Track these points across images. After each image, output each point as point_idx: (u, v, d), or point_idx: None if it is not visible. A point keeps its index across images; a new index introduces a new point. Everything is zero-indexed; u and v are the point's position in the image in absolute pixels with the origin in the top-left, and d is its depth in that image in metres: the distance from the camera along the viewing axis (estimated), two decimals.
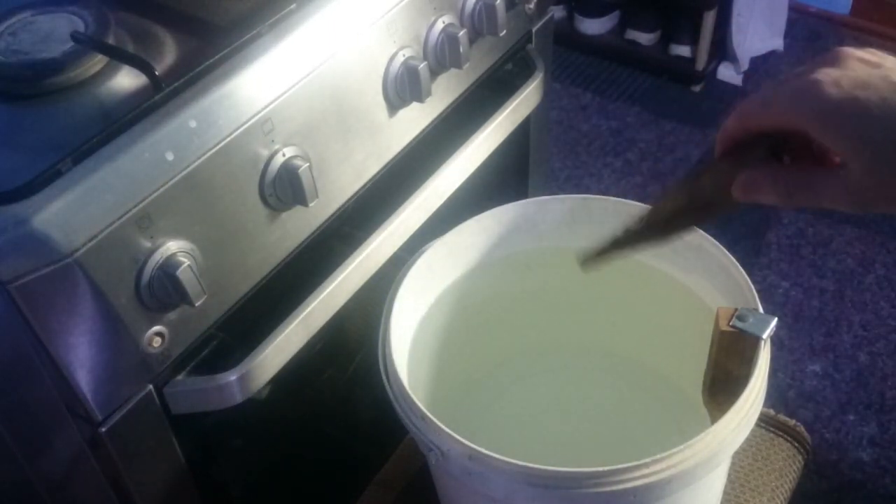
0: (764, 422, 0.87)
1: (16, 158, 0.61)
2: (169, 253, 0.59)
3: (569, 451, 0.79)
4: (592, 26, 2.18)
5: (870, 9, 2.18)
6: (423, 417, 0.63)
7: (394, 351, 0.68)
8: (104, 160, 0.56)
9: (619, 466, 0.58)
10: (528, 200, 0.80)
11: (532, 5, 0.89)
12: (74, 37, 0.67)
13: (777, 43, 2.08)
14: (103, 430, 0.61)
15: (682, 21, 2.07)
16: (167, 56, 0.69)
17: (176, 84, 0.61)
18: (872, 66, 0.44)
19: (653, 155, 1.92)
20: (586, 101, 2.07)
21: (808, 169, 0.48)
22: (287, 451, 0.90)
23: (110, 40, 0.68)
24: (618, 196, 0.79)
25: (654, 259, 0.79)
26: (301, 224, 0.70)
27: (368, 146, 0.74)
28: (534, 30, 0.93)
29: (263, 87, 0.64)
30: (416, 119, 0.79)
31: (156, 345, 0.61)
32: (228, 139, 0.61)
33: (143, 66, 0.63)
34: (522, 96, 0.89)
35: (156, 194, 0.57)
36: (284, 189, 0.66)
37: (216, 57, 0.63)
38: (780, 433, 0.87)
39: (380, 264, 0.77)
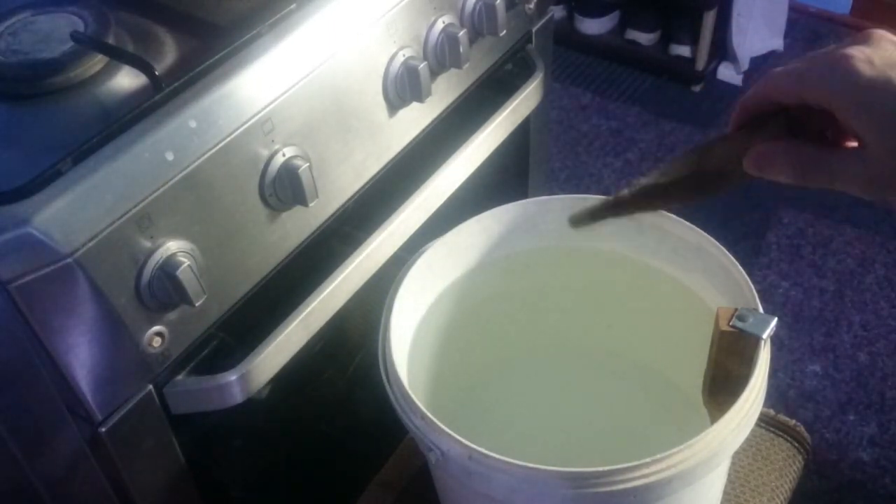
0: (764, 422, 0.87)
1: (16, 158, 0.61)
2: (169, 253, 0.59)
3: (569, 451, 0.79)
4: (592, 26, 2.18)
5: (870, 9, 2.18)
6: (423, 417, 0.63)
7: (394, 351, 0.68)
8: (104, 160, 0.56)
9: (619, 466, 0.58)
10: (528, 200, 0.80)
11: (532, 5, 0.89)
12: (74, 37, 0.67)
13: (777, 43, 2.08)
14: (103, 430, 0.61)
15: (682, 21, 2.07)
16: (167, 56, 0.69)
17: (176, 84, 0.61)
18: None
19: (653, 155, 1.92)
20: (586, 101, 2.07)
21: (826, 148, 0.47)
22: (287, 451, 0.90)
23: (110, 40, 0.68)
24: None
25: (654, 259, 0.79)
26: (301, 224, 0.70)
27: (368, 146, 0.74)
28: (534, 30, 0.93)
29: (263, 87, 0.64)
30: (416, 119, 0.79)
31: (156, 345, 0.61)
32: (228, 139, 0.61)
33: (143, 66, 0.63)
34: (522, 96, 0.89)
35: (156, 194, 0.57)
36: (284, 189, 0.66)
37: (216, 57, 0.63)
38: (780, 433, 0.87)
39: (380, 264, 0.77)
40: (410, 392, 0.65)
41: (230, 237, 0.64)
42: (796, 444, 0.86)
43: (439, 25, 0.76)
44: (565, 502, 0.61)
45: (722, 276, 0.73)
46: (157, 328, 0.61)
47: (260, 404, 0.76)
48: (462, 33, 0.76)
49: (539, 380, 0.91)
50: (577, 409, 0.90)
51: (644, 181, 0.56)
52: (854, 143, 0.46)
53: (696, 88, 2.09)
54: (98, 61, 0.67)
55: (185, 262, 0.59)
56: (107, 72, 0.67)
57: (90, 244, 0.54)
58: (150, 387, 0.63)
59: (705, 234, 0.74)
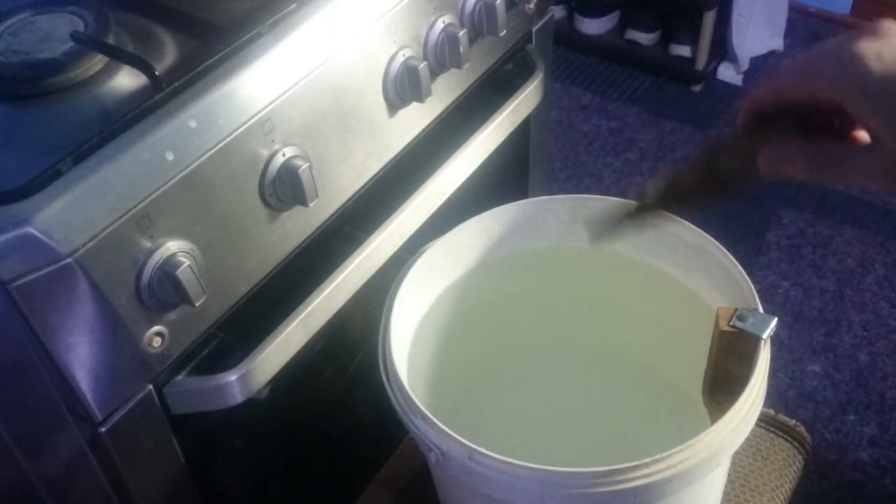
0: (764, 422, 0.87)
1: (16, 158, 0.61)
2: (169, 253, 0.59)
3: (569, 451, 0.79)
4: (592, 26, 2.18)
5: (870, 9, 2.18)
6: (423, 417, 0.63)
7: (394, 351, 0.68)
8: (104, 160, 0.56)
9: (619, 466, 0.58)
10: (528, 200, 0.80)
11: (532, 5, 0.89)
12: (74, 37, 0.67)
13: (777, 43, 2.08)
14: (103, 430, 0.61)
15: (682, 21, 2.07)
16: (167, 56, 0.69)
17: (176, 84, 0.61)
18: None
19: (653, 155, 1.92)
20: (586, 101, 2.07)
21: (839, 143, 0.47)
22: (287, 451, 0.90)
23: (110, 40, 0.68)
24: (618, 196, 0.79)
25: (654, 259, 0.79)
26: (301, 224, 0.70)
27: (368, 146, 0.74)
28: (534, 30, 0.93)
29: (263, 87, 0.64)
30: (416, 119, 0.79)
31: (156, 345, 0.61)
32: (228, 139, 0.61)
33: (143, 66, 0.63)
34: (522, 96, 0.89)
35: (156, 194, 0.57)
36: (284, 189, 0.66)
37: (216, 57, 0.63)
38: (780, 433, 0.87)
39: (380, 264, 0.77)
40: (410, 392, 0.65)
41: (230, 237, 0.64)
42: (796, 444, 0.86)
43: (439, 25, 0.76)
44: (565, 502, 0.61)
45: (722, 276, 0.73)
46: (157, 328, 0.61)
47: (260, 404, 0.76)
48: (462, 33, 0.76)
49: (539, 380, 0.91)
50: (577, 409, 0.90)
51: (655, 194, 0.56)
52: (863, 133, 0.46)
53: (696, 88, 2.09)
54: (98, 61, 0.67)
55: (185, 262, 0.59)
56: (107, 72, 0.67)
57: (90, 244, 0.54)
58: (150, 387, 0.63)
59: (705, 234, 0.74)
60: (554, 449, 0.81)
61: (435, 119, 0.81)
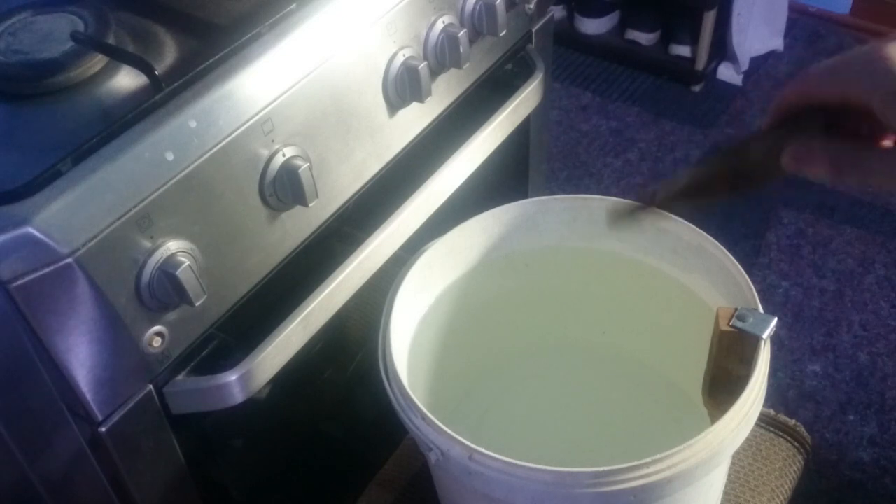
0: (764, 422, 0.87)
1: (16, 158, 0.61)
2: (169, 253, 0.59)
3: (569, 451, 0.79)
4: (592, 26, 2.18)
5: (870, 9, 2.18)
6: (423, 417, 0.63)
7: (394, 351, 0.68)
8: (104, 160, 0.56)
9: (619, 466, 0.58)
10: (528, 200, 0.80)
11: (532, 5, 0.89)
12: (74, 37, 0.67)
13: (777, 43, 2.08)
14: (103, 430, 0.61)
15: (682, 21, 2.07)
16: (167, 56, 0.69)
17: (176, 84, 0.61)
18: None
19: (653, 155, 1.92)
20: (586, 101, 2.07)
21: (864, 146, 0.47)
22: (287, 451, 0.90)
23: (110, 40, 0.68)
24: (618, 196, 0.79)
25: (654, 259, 0.79)
26: (301, 224, 0.70)
27: (368, 146, 0.74)
28: (534, 30, 0.93)
29: (263, 87, 0.64)
30: (416, 119, 0.79)
31: (156, 345, 0.61)
32: (228, 139, 0.61)
33: (143, 66, 0.63)
34: (522, 96, 0.89)
35: (156, 194, 0.57)
36: (284, 189, 0.66)
37: (216, 57, 0.63)
38: (780, 433, 0.87)
39: (380, 264, 0.77)
40: (410, 392, 0.65)
41: (230, 237, 0.64)
42: (796, 444, 0.86)
43: (439, 25, 0.76)
44: (565, 502, 0.61)
45: (722, 276, 0.73)
46: (157, 328, 0.61)
47: (260, 404, 0.76)
48: (462, 33, 0.76)
49: (539, 380, 0.91)
50: (577, 408, 0.90)
51: (677, 185, 0.56)
52: (891, 141, 0.47)
53: (696, 88, 2.09)
54: (98, 61, 0.67)
55: (185, 262, 0.59)
56: (107, 72, 0.67)
57: (90, 244, 0.54)
58: (150, 387, 0.63)
59: (705, 234, 0.74)
60: (554, 449, 0.81)
61: (435, 119, 0.81)
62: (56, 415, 0.60)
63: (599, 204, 0.79)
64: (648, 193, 0.59)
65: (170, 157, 0.58)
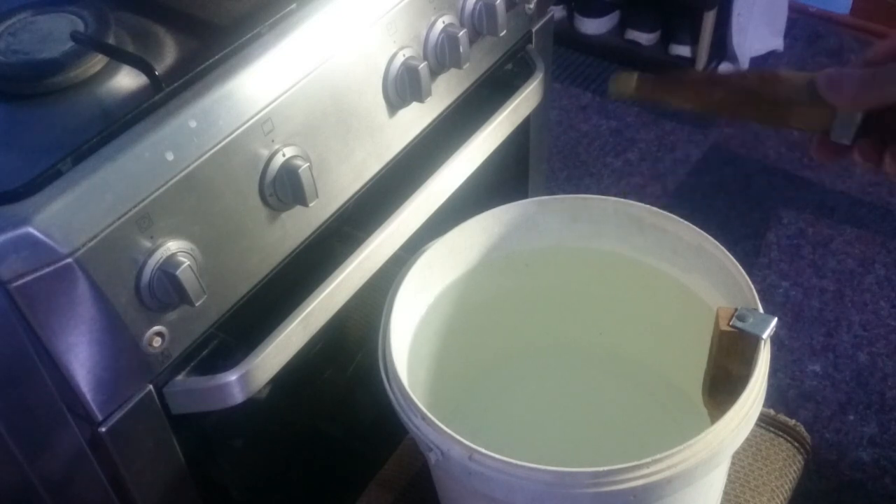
0: (764, 422, 0.87)
1: (16, 158, 0.61)
2: (169, 253, 0.59)
3: (569, 451, 0.79)
4: (592, 26, 2.18)
5: (870, 9, 2.18)
6: (423, 417, 0.63)
7: (394, 351, 0.68)
8: (104, 160, 0.56)
9: (619, 466, 0.58)
10: (528, 200, 0.80)
11: (532, 5, 0.89)
12: (74, 37, 0.67)
13: (777, 43, 2.08)
14: (103, 430, 0.61)
15: (682, 21, 2.07)
16: (167, 56, 0.69)
17: (176, 84, 0.61)
18: None
19: (653, 155, 1.92)
20: (586, 101, 2.07)
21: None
22: (287, 451, 0.90)
23: (110, 40, 0.68)
24: (618, 196, 0.79)
25: (654, 259, 0.79)
26: (301, 224, 0.70)
27: (368, 146, 0.74)
28: (534, 30, 0.93)
29: (263, 87, 0.64)
30: (416, 119, 0.79)
31: (156, 345, 0.61)
32: (228, 139, 0.61)
33: (143, 66, 0.63)
34: (522, 96, 0.89)
35: (156, 194, 0.57)
36: (284, 189, 0.66)
37: (216, 57, 0.63)
38: (780, 433, 0.87)
39: (380, 264, 0.77)
40: (410, 392, 0.65)
41: (230, 237, 0.64)
42: (796, 444, 0.86)
43: (439, 25, 0.76)
44: (565, 502, 0.61)
45: (722, 276, 0.73)
46: (157, 328, 0.61)
47: (260, 404, 0.76)
48: (462, 33, 0.76)
49: (539, 379, 0.91)
50: (576, 408, 0.90)
51: (695, 78, 0.55)
52: None
53: None
54: (98, 61, 0.67)
55: (185, 262, 0.59)
56: (107, 72, 0.67)
57: (90, 244, 0.54)
58: (150, 387, 0.63)
59: (705, 234, 0.74)
60: (554, 449, 0.81)
61: (435, 119, 0.81)
62: (56, 415, 0.60)
63: (599, 204, 0.79)
64: (662, 79, 0.57)
65: (170, 157, 0.58)
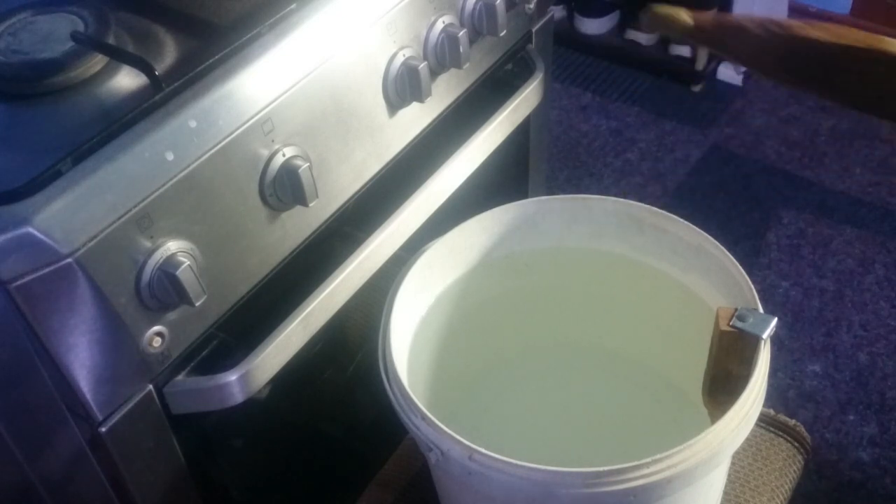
0: (764, 422, 0.87)
1: (16, 158, 0.61)
2: (169, 253, 0.59)
3: (569, 451, 0.79)
4: (592, 26, 2.18)
5: (870, 9, 2.18)
6: (423, 417, 0.63)
7: (394, 351, 0.68)
8: (104, 160, 0.56)
9: (619, 466, 0.58)
10: (528, 200, 0.80)
11: (532, 5, 0.89)
12: (74, 37, 0.67)
13: None
14: (103, 430, 0.61)
15: None
16: (167, 56, 0.69)
17: (176, 84, 0.61)
18: None
19: (653, 155, 1.92)
20: (586, 101, 2.07)
21: None
22: (287, 451, 0.90)
23: (110, 40, 0.68)
24: (618, 196, 0.79)
25: (654, 259, 0.79)
26: (301, 224, 0.70)
27: (368, 146, 0.74)
28: (534, 30, 0.93)
29: (263, 87, 0.64)
30: (416, 119, 0.79)
31: (156, 345, 0.61)
32: (228, 139, 0.61)
33: (143, 66, 0.63)
34: (522, 96, 0.89)
35: (156, 194, 0.57)
36: (284, 189, 0.66)
37: (216, 57, 0.63)
38: (780, 433, 0.87)
39: (380, 264, 0.77)
40: (410, 392, 0.65)
41: (230, 237, 0.64)
42: (796, 444, 0.86)
43: (439, 25, 0.76)
44: (565, 502, 0.61)
45: (722, 276, 0.73)
46: (157, 328, 0.61)
47: (260, 404, 0.76)
48: (462, 33, 0.76)
49: (539, 379, 0.91)
50: (577, 408, 0.90)
51: (781, 33, 0.50)
52: None
53: (696, 88, 2.09)
54: (98, 61, 0.67)
55: (185, 262, 0.59)
56: (107, 72, 0.67)
57: (90, 244, 0.54)
58: (150, 387, 0.63)
59: (705, 234, 0.74)
60: (554, 449, 0.81)
61: (435, 119, 0.81)
62: (56, 415, 0.60)
63: (599, 204, 0.79)
64: (724, 26, 0.53)
65: (170, 157, 0.58)
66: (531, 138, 1.01)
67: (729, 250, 0.72)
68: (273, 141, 0.64)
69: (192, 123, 0.60)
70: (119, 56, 0.67)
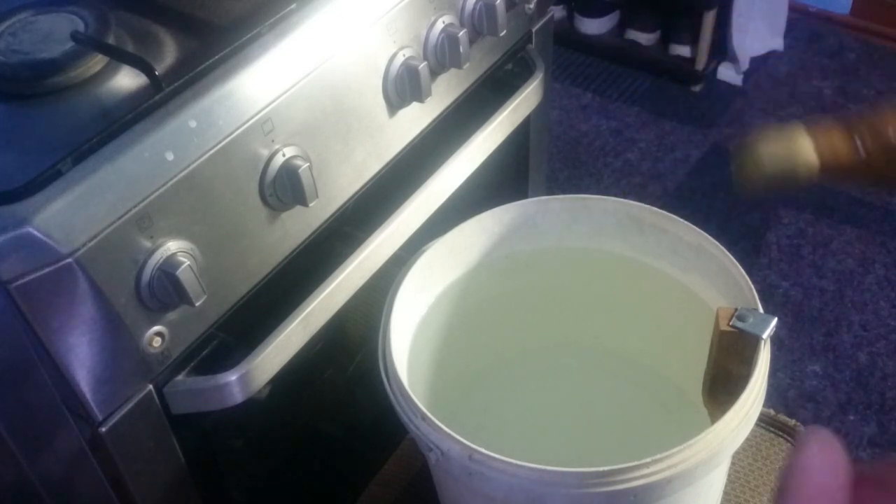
0: (764, 422, 0.87)
1: (16, 158, 0.61)
2: (169, 253, 0.59)
3: (569, 451, 0.79)
4: (592, 26, 2.18)
5: (870, 9, 2.18)
6: (423, 417, 0.63)
7: (394, 351, 0.68)
8: (104, 160, 0.56)
9: (619, 466, 0.58)
10: (528, 200, 0.80)
11: (532, 5, 0.89)
12: (74, 37, 0.67)
13: (777, 43, 2.08)
14: (103, 430, 0.61)
15: (682, 21, 2.07)
16: (167, 56, 0.69)
17: (176, 84, 0.61)
18: None
19: (653, 155, 1.92)
20: (586, 101, 2.07)
21: None
22: (287, 451, 0.90)
23: (110, 40, 0.68)
24: (618, 196, 0.79)
25: (654, 259, 0.79)
26: (301, 224, 0.70)
27: (368, 146, 0.74)
28: (534, 30, 0.93)
29: (263, 87, 0.64)
30: (416, 119, 0.79)
31: (156, 345, 0.61)
32: (228, 139, 0.61)
33: (143, 66, 0.63)
34: (522, 96, 0.89)
35: (156, 194, 0.57)
36: (284, 189, 0.66)
37: (216, 57, 0.63)
38: (780, 433, 0.87)
39: (380, 264, 0.77)
40: (410, 392, 0.65)
41: (230, 237, 0.64)
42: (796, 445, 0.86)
43: (439, 25, 0.76)
44: (565, 502, 0.61)
45: (722, 276, 0.73)
46: (157, 328, 0.61)
47: (260, 404, 0.76)
48: (462, 33, 0.76)
49: (539, 379, 0.91)
50: (577, 408, 0.90)
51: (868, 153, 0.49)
52: None
53: (696, 88, 2.09)
54: (98, 61, 0.67)
55: (185, 262, 0.59)
56: (107, 72, 0.67)
57: (90, 244, 0.54)
58: (150, 387, 0.63)
59: (705, 234, 0.74)
60: (554, 449, 0.81)
61: (435, 119, 0.81)
62: (56, 415, 0.60)
63: (599, 204, 0.79)
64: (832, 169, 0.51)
65: (170, 157, 0.58)
66: (531, 138, 1.01)
67: (729, 250, 0.72)
68: (273, 141, 0.64)
69: (192, 123, 0.60)
70: (119, 56, 0.67)
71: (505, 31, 0.82)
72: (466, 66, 0.79)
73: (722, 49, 2.06)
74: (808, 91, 2.05)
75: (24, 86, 0.65)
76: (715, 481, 0.72)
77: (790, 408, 1.45)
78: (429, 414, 0.63)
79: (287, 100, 0.64)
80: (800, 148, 0.52)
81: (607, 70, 2.15)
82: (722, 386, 0.69)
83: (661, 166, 1.89)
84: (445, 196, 0.83)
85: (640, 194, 1.81)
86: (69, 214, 0.54)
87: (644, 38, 2.13)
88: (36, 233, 0.52)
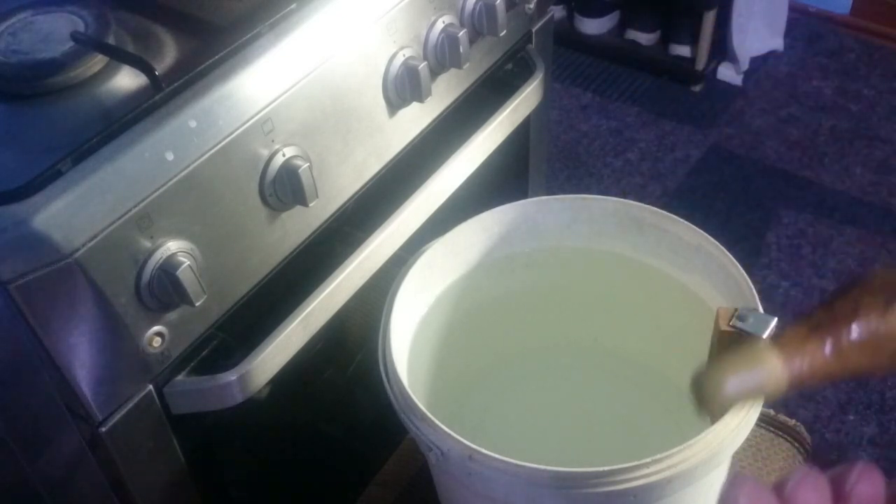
0: (764, 422, 0.87)
1: (16, 158, 0.61)
2: (169, 253, 0.59)
3: (569, 451, 0.79)
4: (592, 26, 2.18)
5: (870, 9, 2.18)
6: (423, 417, 0.63)
7: (394, 351, 0.68)
8: (104, 160, 0.56)
9: (619, 466, 0.58)
10: (528, 200, 0.80)
11: (532, 5, 0.89)
12: (74, 37, 0.67)
13: (777, 43, 2.08)
14: (103, 430, 0.61)
15: (682, 21, 2.07)
16: (167, 56, 0.69)
17: (176, 84, 0.61)
18: None
19: (653, 155, 1.92)
20: (586, 101, 2.07)
21: None
22: (287, 451, 0.90)
23: (110, 40, 0.68)
24: (618, 196, 0.79)
25: (654, 259, 0.79)
26: (301, 224, 0.70)
27: (368, 146, 0.74)
28: (534, 30, 0.93)
29: (263, 87, 0.64)
30: (416, 119, 0.79)
31: (156, 345, 0.61)
32: (228, 139, 0.61)
33: (143, 66, 0.63)
34: (522, 96, 0.89)
35: (156, 194, 0.57)
36: (284, 189, 0.66)
37: (216, 57, 0.63)
38: (780, 433, 0.87)
39: (380, 264, 0.77)
40: (410, 392, 0.65)
41: (230, 237, 0.64)
42: (796, 444, 0.86)
43: (439, 25, 0.76)
44: (565, 502, 0.61)
45: (722, 276, 0.73)
46: (157, 328, 0.61)
47: (260, 404, 0.76)
48: (462, 33, 0.76)
49: (539, 379, 0.91)
50: (577, 408, 0.90)
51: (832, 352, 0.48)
52: None
53: (696, 88, 2.09)
54: (98, 61, 0.67)
55: (185, 262, 0.59)
56: (107, 72, 0.67)
57: (90, 244, 0.54)
58: (150, 387, 0.63)
59: (705, 234, 0.74)
60: (554, 449, 0.81)
61: (435, 119, 0.81)
62: (56, 415, 0.60)
63: (599, 204, 0.79)
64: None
65: (170, 157, 0.58)
66: (531, 138, 1.01)
67: (729, 250, 0.72)
68: (273, 141, 0.64)
69: (192, 123, 0.60)
70: (119, 56, 0.67)
71: (505, 31, 0.82)
72: (466, 66, 0.79)
73: (722, 49, 2.06)
74: (808, 91, 2.05)
75: (24, 86, 0.65)
76: (715, 481, 0.72)
77: (790, 408, 1.45)
78: (429, 414, 0.63)
79: (287, 100, 0.64)
80: (767, 372, 0.53)
81: (607, 70, 2.15)
82: None
83: (661, 166, 1.89)
84: (445, 196, 0.83)
85: (640, 194, 1.81)
86: (69, 214, 0.54)
87: (644, 38, 2.13)
88: (36, 233, 0.52)
